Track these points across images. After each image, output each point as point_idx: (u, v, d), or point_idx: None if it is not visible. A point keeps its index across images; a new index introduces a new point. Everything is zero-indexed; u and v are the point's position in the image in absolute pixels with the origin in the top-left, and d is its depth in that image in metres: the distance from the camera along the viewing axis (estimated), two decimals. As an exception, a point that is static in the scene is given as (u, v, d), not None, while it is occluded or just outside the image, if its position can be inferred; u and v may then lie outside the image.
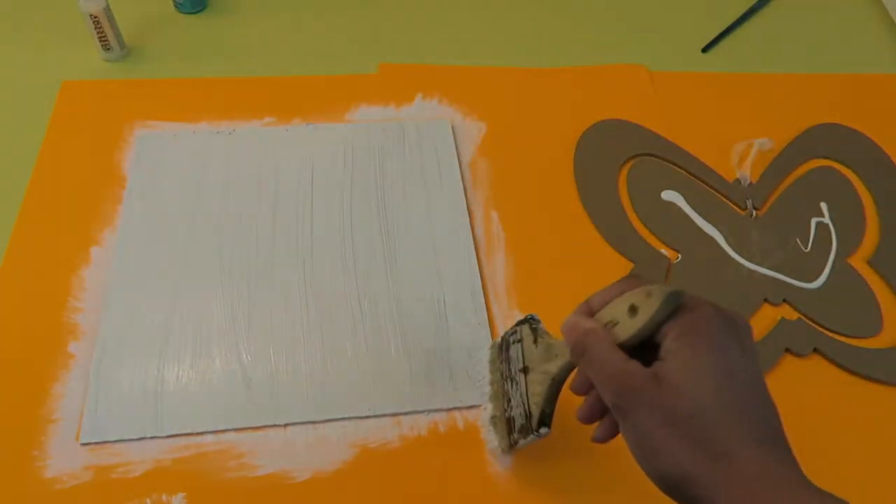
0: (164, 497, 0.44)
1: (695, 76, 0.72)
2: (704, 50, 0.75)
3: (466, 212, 0.59)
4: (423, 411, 0.49)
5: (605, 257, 0.58)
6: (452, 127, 0.65)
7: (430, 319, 0.53)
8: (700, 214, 0.60)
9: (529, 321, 0.46)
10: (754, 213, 0.61)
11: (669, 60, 0.73)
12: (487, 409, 0.48)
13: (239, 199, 0.58)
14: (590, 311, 0.39)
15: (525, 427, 0.43)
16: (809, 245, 0.59)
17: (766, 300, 0.56)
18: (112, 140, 0.61)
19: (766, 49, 0.76)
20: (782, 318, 0.55)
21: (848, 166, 0.65)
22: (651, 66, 0.72)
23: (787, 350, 0.54)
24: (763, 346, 0.53)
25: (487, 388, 0.48)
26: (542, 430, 0.42)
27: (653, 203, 0.61)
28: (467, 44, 0.73)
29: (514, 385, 0.45)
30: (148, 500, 0.44)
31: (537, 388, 0.43)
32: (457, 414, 0.49)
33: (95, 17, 0.64)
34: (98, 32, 0.65)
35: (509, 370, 0.46)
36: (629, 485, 0.47)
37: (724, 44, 0.76)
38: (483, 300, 0.54)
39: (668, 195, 0.62)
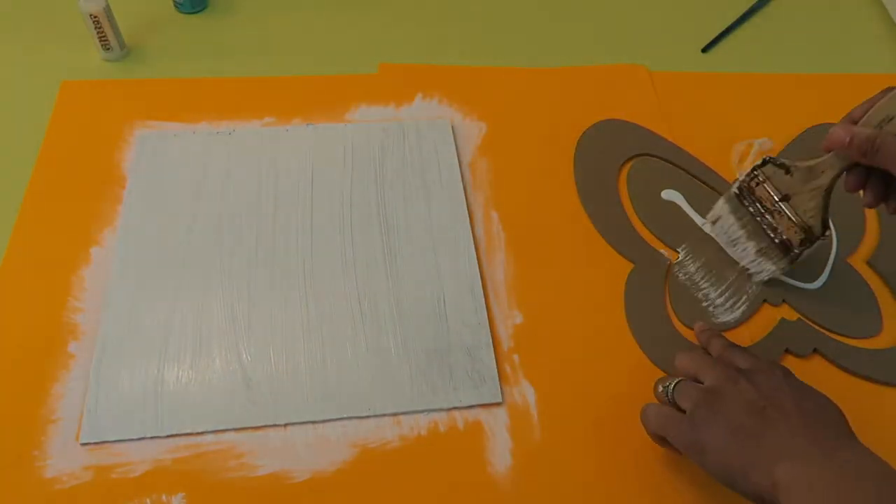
0: (163, 497, 0.44)
1: (695, 76, 0.72)
2: (704, 50, 0.75)
3: (466, 212, 0.59)
4: (423, 411, 0.49)
5: (605, 257, 0.58)
6: (452, 127, 0.65)
7: (430, 319, 0.53)
8: (700, 214, 0.60)
9: (768, 163, 0.54)
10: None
11: (669, 60, 0.73)
12: (748, 249, 0.56)
13: (239, 199, 0.58)
14: (852, 121, 0.47)
15: (807, 239, 0.53)
16: None
17: (765, 301, 0.56)
18: (112, 140, 0.61)
19: (766, 49, 0.76)
20: (782, 318, 0.55)
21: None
22: (651, 66, 0.72)
23: (786, 350, 0.54)
24: (763, 347, 0.53)
25: (740, 232, 0.56)
26: (827, 233, 0.52)
27: (653, 203, 0.61)
28: (467, 44, 0.73)
29: (774, 216, 0.54)
30: (148, 500, 0.44)
31: (809, 204, 0.52)
32: (457, 414, 0.49)
33: (95, 17, 0.64)
34: (98, 32, 0.65)
35: (762, 207, 0.54)
36: (629, 485, 0.47)
37: (724, 44, 0.76)
38: (483, 300, 0.54)
39: (668, 195, 0.62)
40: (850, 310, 0.56)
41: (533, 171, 0.63)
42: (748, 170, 0.55)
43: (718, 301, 0.56)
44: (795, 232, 0.53)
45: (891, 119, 0.45)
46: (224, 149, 0.61)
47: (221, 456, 0.46)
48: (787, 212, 0.53)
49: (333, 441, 0.47)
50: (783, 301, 0.56)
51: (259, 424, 0.47)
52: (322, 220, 0.57)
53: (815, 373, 0.53)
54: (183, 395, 0.48)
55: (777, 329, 0.55)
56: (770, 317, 0.56)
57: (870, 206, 0.48)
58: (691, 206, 0.61)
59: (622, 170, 0.63)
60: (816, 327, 0.55)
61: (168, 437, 0.46)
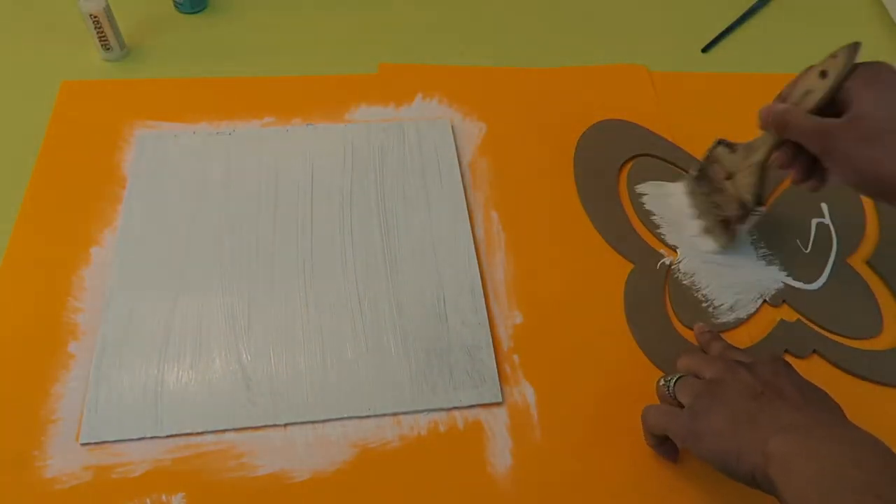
0: (163, 497, 0.44)
1: (695, 76, 0.72)
2: (704, 50, 0.75)
3: (466, 212, 0.59)
4: (423, 411, 0.49)
5: (605, 257, 0.58)
6: (452, 127, 0.65)
7: (430, 319, 0.53)
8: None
9: (719, 144, 0.57)
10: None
11: (669, 60, 0.73)
12: (692, 226, 0.59)
13: (239, 200, 0.58)
14: (782, 100, 0.50)
15: (742, 215, 0.55)
16: (809, 246, 0.59)
17: (765, 301, 0.56)
18: (112, 140, 0.61)
19: (766, 49, 0.76)
20: (781, 319, 0.55)
21: None
22: (651, 66, 0.72)
23: (786, 351, 0.54)
24: (762, 348, 0.53)
25: (689, 211, 0.60)
26: (760, 209, 0.54)
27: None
28: (467, 44, 0.73)
29: (720, 194, 0.56)
30: (148, 500, 0.44)
31: (746, 180, 0.54)
32: (457, 414, 0.49)
33: (95, 17, 0.64)
34: (98, 32, 0.65)
35: (711, 187, 0.57)
36: (629, 485, 0.47)
37: (724, 44, 0.76)
38: (483, 300, 0.54)
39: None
40: (850, 310, 0.56)
41: (533, 171, 0.63)
42: (709, 149, 0.58)
43: (717, 302, 0.56)
44: (734, 208, 0.55)
45: (809, 93, 0.47)
46: (224, 149, 0.61)
47: (221, 456, 0.46)
48: (730, 189, 0.55)
49: (333, 441, 0.47)
50: (783, 302, 0.56)
51: (259, 424, 0.47)
52: (322, 220, 0.57)
53: (814, 374, 0.53)
54: (183, 396, 0.48)
55: (776, 330, 0.55)
56: (769, 318, 0.55)
57: (797, 183, 0.50)
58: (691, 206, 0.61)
59: (622, 170, 0.63)
60: (816, 328, 0.55)
61: (168, 437, 0.46)
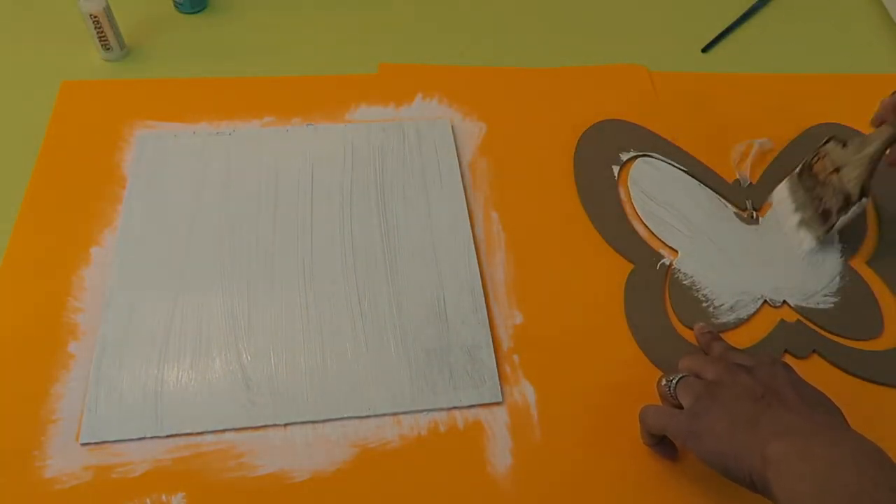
0: (163, 497, 0.44)
1: (695, 76, 0.72)
2: (704, 50, 0.75)
3: (466, 212, 0.59)
4: (423, 411, 0.49)
5: (604, 257, 0.58)
6: (452, 127, 0.65)
7: (430, 319, 0.53)
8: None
9: (830, 140, 0.57)
10: (754, 213, 0.61)
11: (669, 60, 0.73)
12: (791, 221, 0.59)
13: (239, 200, 0.58)
14: None
15: (844, 207, 0.55)
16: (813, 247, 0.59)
17: (765, 302, 0.56)
18: (112, 140, 0.61)
19: (766, 49, 0.76)
20: (781, 319, 0.55)
21: None
22: (651, 66, 0.72)
23: (786, 351, 0.53)
24: (762, 348, 0.53)
25: (791, 206, 0.59)
26: (864, 200, 0.54)
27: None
28: (467, 44, 0.73)
29: (823, 187, 0.57)
30: (148, 500, 0.44)
31: (853, 172, 0.54)
32: (457, 414, 0.49)
33: (95, 17, 0.64)
34: (98, 32, 0.65)
35: (815, 181, 0.58)
36: (629, 484, 0.47)
37: (724, 44, 0.76)
38: (483, 300, 0.54)
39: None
40: (851, 311, 0.56)
41: (533, 171, 0.63)
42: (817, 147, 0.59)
43: (718, 302, 0.56)
44: (836, 200, 0.56)
45: None
46: (224, 149, 0.61)
47: (221, 456, 0.46)
48: (834, 182, 0.56)
49: (333, 441, 0.47)
50: (783, 302, 0.56)
51: (259, 424, 0.47)
52: (322, 220, 0.57)
53: (814, 374, 0.52)
54: (183, 396, 0.48)
55: (776, 330, 0.54)
56: (770, 318, 0.55)
57: None
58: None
59: (623, 170, 0.63)
60: (817, 329, 0.55)
61: (168, 437, 0.46)
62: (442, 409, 0.49)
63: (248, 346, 0.50)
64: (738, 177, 0.63)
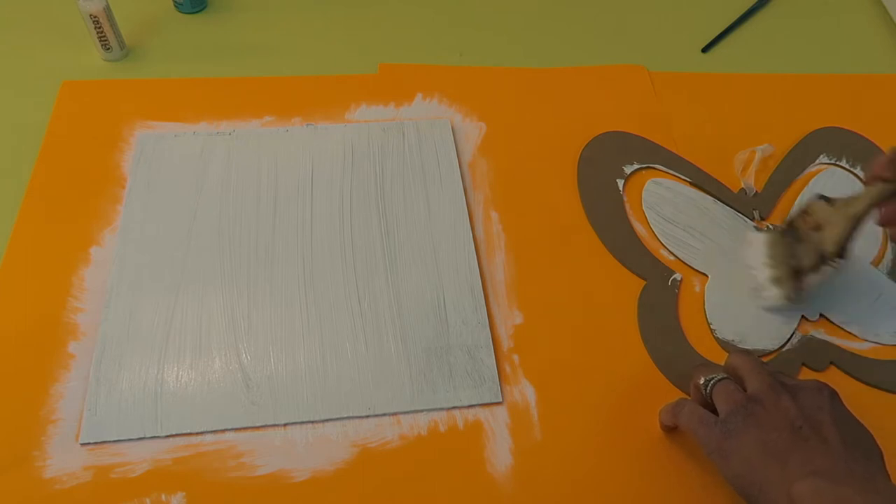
0: (163, 497, 0.44)
1: (695, 76, 0.72)
2: (704, 50, 0.75)
3: (466, 212, 0.59)
4: (423, 411, 0.49)
5: (604, 258, 0.58)
6: (452, 127, 0.65)
7: (430, 319, 0.53)
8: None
9: (819, 198, 0.54)
10: (770, 226, 0.60)
11: (669, 60, 0.73)
12: (763, 274, 0.56)
13: (239, 200, 0.58)
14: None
15: (816, 265, 0.53)
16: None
17: (803, 316, 0.55)
18: (112, 140, 0.61)
19: (766, 49, 0.76)
20: (795, 331, 0.54)
21: (852, 172, 0.65)
22: (651, 66, 0.72)
23: (803, 364, 0.53)
24: (778, 362, 0.53)
25: (764, 260, 0.56)
26: (837, 261, 0.52)
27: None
28: (467, 44, 0.73)
29: (802, 245, 0.54)
30: (148, 500, 0.44)
31: (835, 230, 0.52)
32: (457, 413, 0.49)
33: (95, 17, 0.64)
34: (98, 32, 0.65)
35: (796, 237, 0.55)
36: (630, 484, 0.47)
37: (724, 44, 0.76)
38: (483, 300, 0.54)
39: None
40: (866, 305, 0.56)
41: (533, 171, 0.63)
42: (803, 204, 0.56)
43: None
44: (809, 258, 0.53)
45: None
46: (224, 149, 0.61)
47: (221, 456, 0.46)
48: (814, 239, 0.53)
49: (333, 441, 0.47)
50: (820, 315, 0.55)
51: (259, 424, 0.47)
52: (322, 220, 0.57)
53: (833, 385, 0.52)
54: (183, 396, 0.48)
55: (792, 343, 0.54)
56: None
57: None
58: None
59: (627, 183, 0.62)
60: (830, 337, 0.54)
61: (168, 437, 0.46)
62: (442, 409, 0.49)
63: (248, 346, 0.50)
64: (743, 186, 0.63)
